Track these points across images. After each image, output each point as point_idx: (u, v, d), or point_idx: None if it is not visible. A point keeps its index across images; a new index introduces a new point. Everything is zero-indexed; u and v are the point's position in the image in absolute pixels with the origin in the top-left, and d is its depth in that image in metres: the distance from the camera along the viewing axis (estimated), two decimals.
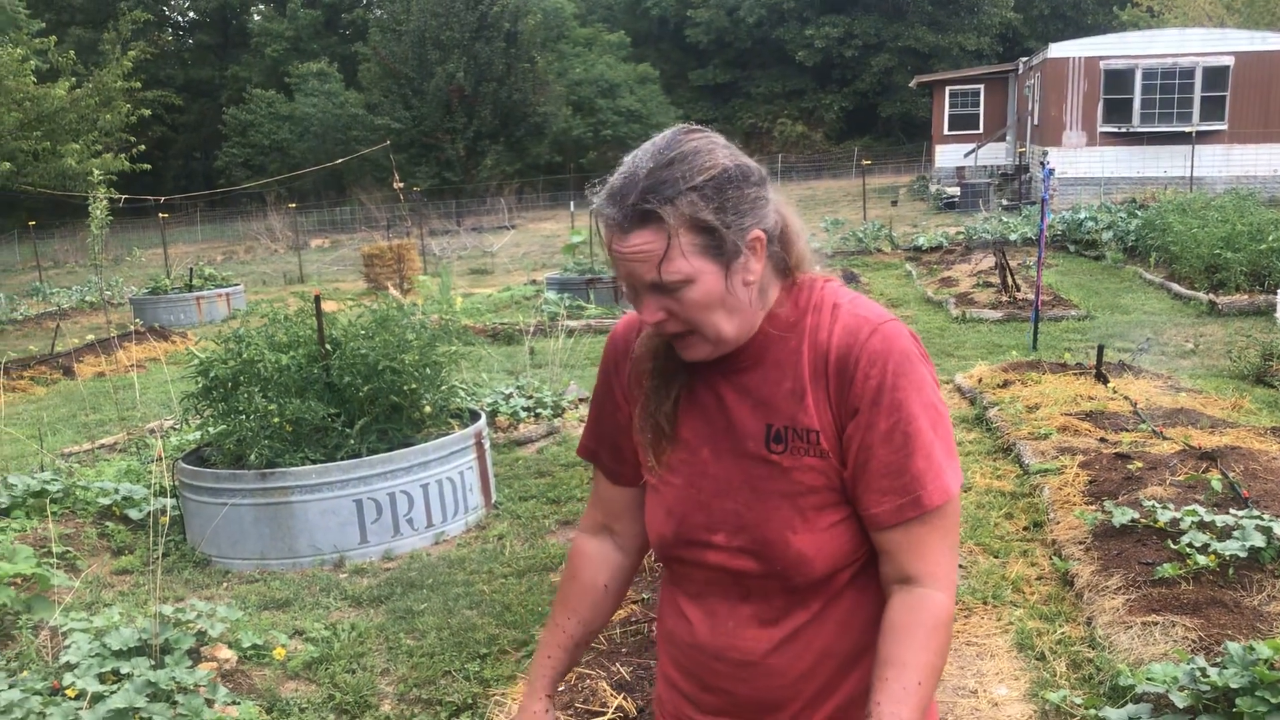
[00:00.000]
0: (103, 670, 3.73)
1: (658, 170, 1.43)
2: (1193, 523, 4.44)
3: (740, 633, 1.58)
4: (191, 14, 54.87)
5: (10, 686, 3.62)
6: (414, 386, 5.90)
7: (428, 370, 6.05)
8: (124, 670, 3.73)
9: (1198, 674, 3.25)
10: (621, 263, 1.46)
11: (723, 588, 1.59)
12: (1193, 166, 23.05)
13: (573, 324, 11.97)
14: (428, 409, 6.05)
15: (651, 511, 1.66)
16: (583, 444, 1.81)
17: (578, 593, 1.80)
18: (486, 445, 6.33)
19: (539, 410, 8.08)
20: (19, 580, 4.73)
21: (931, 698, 1.49)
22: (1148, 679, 3.38)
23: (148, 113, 22.86)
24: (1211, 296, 11.87)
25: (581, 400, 8.51)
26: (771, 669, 1.57)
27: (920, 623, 1.48)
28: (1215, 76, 23.36)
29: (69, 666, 3.78)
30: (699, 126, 1.50)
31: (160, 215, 24.62)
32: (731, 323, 1.49)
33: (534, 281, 18.64)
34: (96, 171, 17.08)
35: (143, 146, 22.02)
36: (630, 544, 1.80)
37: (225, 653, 4.17)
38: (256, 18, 53.05)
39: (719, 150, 1.46)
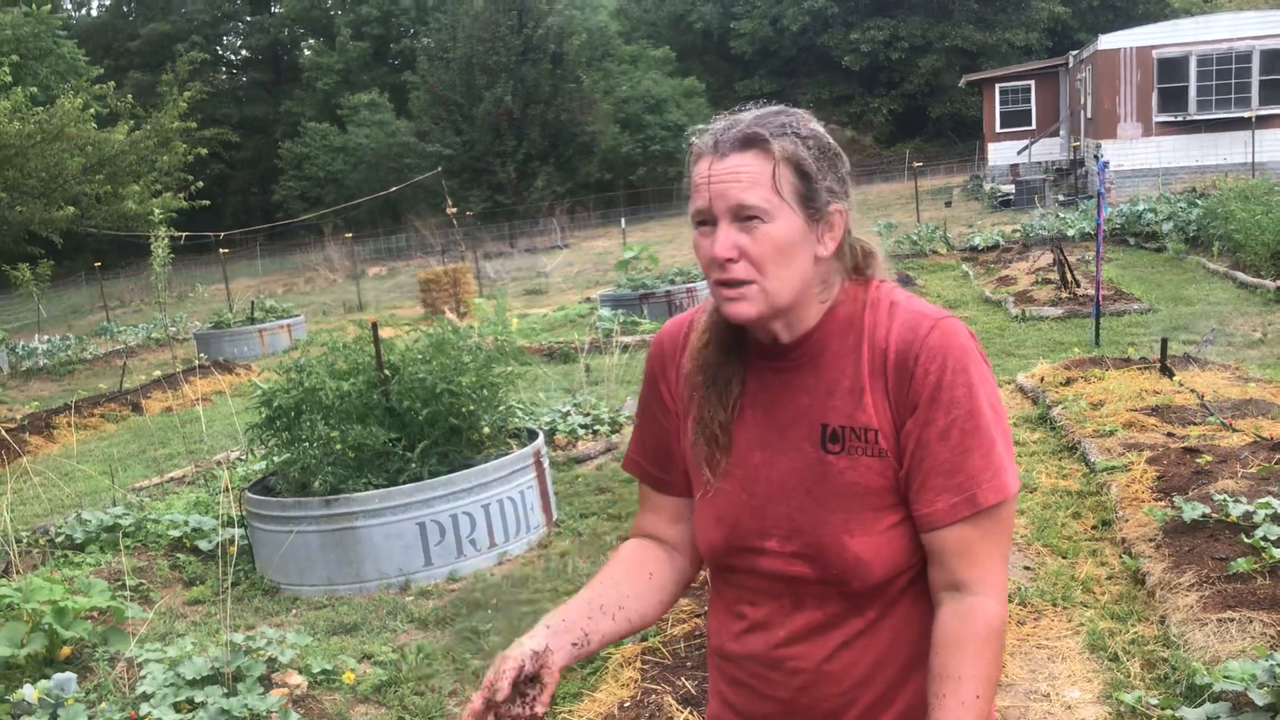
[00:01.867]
0: (178, 700, 3.80)
1: (765, 116, 1.49)
2: (1266, 516, 4.34)
3: (794, 641, 1.55)
4: (244, 52, 56.03)
5: (90, 718, 3.70)
6: (472, 408, 5.95)
7: (485, 392, 6.10)
8: (198, 699, 3.80)
9: (1277, 670, 3.17)
10: (710, 185, 1.46)
11: (776, 595, 1.56)
12: (1254, 152, 22.54)
13: (627, 340, 12.00)
14: (486, 430, 6.10)
15: (701, 519, 1.63)
16: (627, 457, 1.79)
17: (621, 567, 1.68)
18: (546, 464, 6.36)
19: (596, 427, 8.11)
20: (95, 613, 4.84)
21: (991, 709, 1.46)
22: (1225, 677, 3.30)
23: (205, 152, 23.34)
24: (1279, 284, 11.60)
25: None
26: (826, 676, 1.54)
27: (973, 633, 1.45)
28: (1274, 59, 22.86)
29: (145, 697, 3.85)
30: None
31: (221, 251, 25.12)
32: (792, 288, 1.48)
33: (588, 299, 18.70)
34: (157, 211, 17.48)
35: (200, 184, 22.49)
36: (684, 555, 1.73)
37: (296, 679, 4.23)
38: (307, 52, 54.01)
39: (821, 126, 1.53)
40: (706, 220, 1.48)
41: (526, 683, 1.46)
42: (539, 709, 1.44)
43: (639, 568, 1.69)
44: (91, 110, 19.14)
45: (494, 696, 1.42)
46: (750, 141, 1.45)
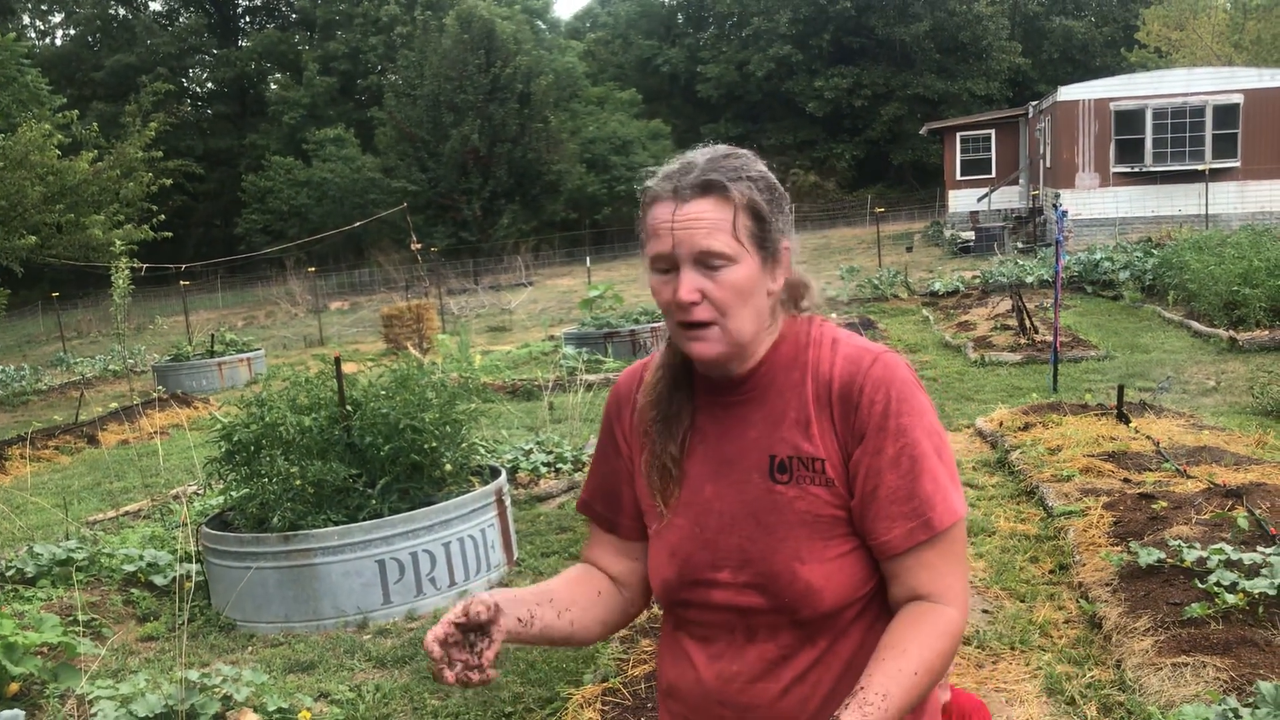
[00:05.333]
0: None
1: (717, 159, 1.53)
2: (1220, 561, 4.40)
3: (746, 675, 1.58)
4: (210, 85, 55.85)
5: None
6: (434, 445, 5.92)
7: (448, 428, 6.08)
8: None
9: (1230, 715, 3.21)
10: (674, 230, 1.50)
11: (729, 628, 1.59)
12: (1207, 204, 23.03)
13: (591, 378, 12.01)
14: (449, 467, 6.07)
15: (655, 556, 1.67)
16: (580, 499, 1.83)
17: (572, 576, 1.74)
18: (507, 502, 6.33)
19: (559, 465, 8.09)
20: (45, 649, 4.75)
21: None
22: None
23: (168, 182, 23.16)
24: (1232, 333, 11.81)
25: None
26: (778, 713, 1.56)
27: (930, 623, 1.48)
28: (1226, 114, 23.42)
29: None
30: None
31: (181, 283, 24.93)
32: (752, 325, 1.54)
33: (552, 337, 18.71)
34: (119, 242, 17.30)
35: (163, 216, 22.28)
36: (629, 589, 1.77)
37: (251, 717, 4.16)
38: (273, 86, 53.92)
39: (764, 165, 1.59)
40: (667, 265, 1.53)
41: (476, 633, 1.49)
42: (488, 667, 1.47)
43: (588, 584, 1.74)
44: (55, 139, 18.95)
45: (469, 615, 1.47)
46: (709, 187, 1.50)
